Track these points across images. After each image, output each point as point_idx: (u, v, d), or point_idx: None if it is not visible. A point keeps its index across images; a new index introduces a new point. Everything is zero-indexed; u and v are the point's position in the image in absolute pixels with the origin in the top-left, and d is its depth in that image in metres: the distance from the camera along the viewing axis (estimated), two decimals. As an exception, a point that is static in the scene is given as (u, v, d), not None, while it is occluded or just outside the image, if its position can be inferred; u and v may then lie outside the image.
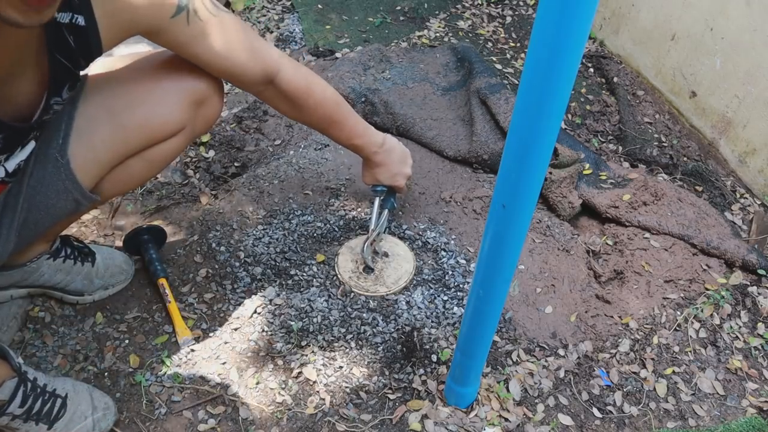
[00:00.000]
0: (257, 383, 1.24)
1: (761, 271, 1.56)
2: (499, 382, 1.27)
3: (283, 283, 1.43)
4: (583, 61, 2.45)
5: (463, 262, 1.52)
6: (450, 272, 1.49)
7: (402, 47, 2.37)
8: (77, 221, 1.53)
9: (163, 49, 1.06)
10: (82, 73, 0.94)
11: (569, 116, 2.16)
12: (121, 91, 1.05)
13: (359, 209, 1.65)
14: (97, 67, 1.05)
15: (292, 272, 1.46)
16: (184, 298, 1.38)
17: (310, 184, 1.72)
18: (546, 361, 1.34)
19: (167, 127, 1.10)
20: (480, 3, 2.76)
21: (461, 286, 1.46)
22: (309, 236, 1.56)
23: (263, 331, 1.33)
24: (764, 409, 1.31)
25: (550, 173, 1.67)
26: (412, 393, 1.24)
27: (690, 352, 1.41)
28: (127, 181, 1.16)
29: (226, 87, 2.11)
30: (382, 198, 1.54)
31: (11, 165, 0.91)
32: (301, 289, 1.42)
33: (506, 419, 1.21)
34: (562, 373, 1.32)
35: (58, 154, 1.00)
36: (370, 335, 1.34)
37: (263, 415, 1.19)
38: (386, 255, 1.52)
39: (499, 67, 2.33)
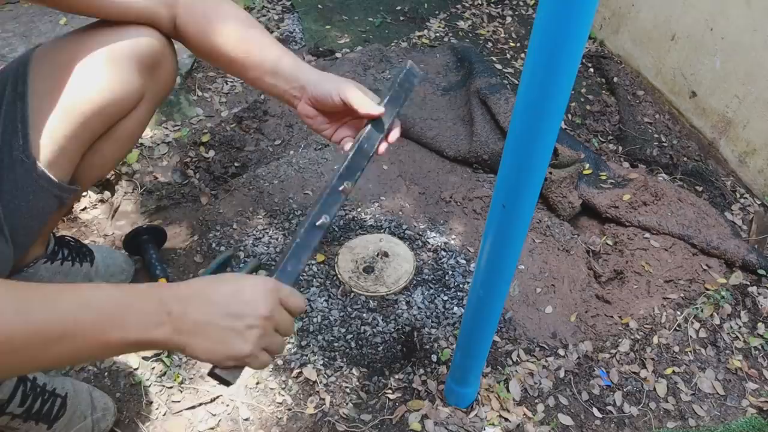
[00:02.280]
0: (257, 383, 1.24)
1: (761, 271, 1.56)
2: (499, 382, 1.27)
3: (283, 283, 1.43)
4: (583, 61, 2.45)
5: (463, 262, 1.52)
6: (450, 272, 1.49)
7: (402, 47, 2.37)
8: (77, 222, 1.53)
9: (92, 20, 1.02)
10: None
11: (569, 116, 2.16)
12: (66, 74, 0.99)
13: (359, 209, 1.65)
14: (39, 58, 1.01)
15: (292, 272, 1.46)
16: (184, 298, 1.38)
17: (310, 184, 1.72)
18: (546, 361, 1.34)
19: (125, 101, 1.04)
20: (480, 3, 2.76)
21: (461, 286, 1.46)
22: (309, 236, 1.56)
23: (263, 331, 1.33)
24: (764, 409, 1.30)
25: (550, 173, 1.67)
26: (412, 393, 1.24)
27: (690, 352, 1.41)
28: (102, 164, 1.12)
29: (227, 87, 2.11)
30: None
31: None
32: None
33: (506, 419, 1.21)
34: (562, 373, 1.32)
35: (22, 155, 0.96)
36: (370, 335, 1.34)
37: (263, 415, 1.19)
38: (386, 255, 1.52)
39: (499, 67, 2.33)
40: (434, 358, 1.30)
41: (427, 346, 1.32)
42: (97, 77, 1.01)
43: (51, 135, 0.99)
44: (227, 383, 0.73)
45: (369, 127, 0.93)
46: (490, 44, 2.49)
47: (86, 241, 1.40)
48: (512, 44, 2.50)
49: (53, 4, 0.96)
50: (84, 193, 1.58)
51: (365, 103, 0.92)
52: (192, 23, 1.02)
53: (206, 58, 1.05)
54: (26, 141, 0.97)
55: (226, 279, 0.71)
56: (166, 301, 0.66)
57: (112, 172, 1.65)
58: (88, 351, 0.63)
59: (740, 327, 1.47)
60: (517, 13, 2.73)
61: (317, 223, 0.86)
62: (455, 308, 1.41)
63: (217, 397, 1.21)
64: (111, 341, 0.63)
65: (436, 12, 2.67)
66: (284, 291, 0.74)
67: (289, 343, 1.31)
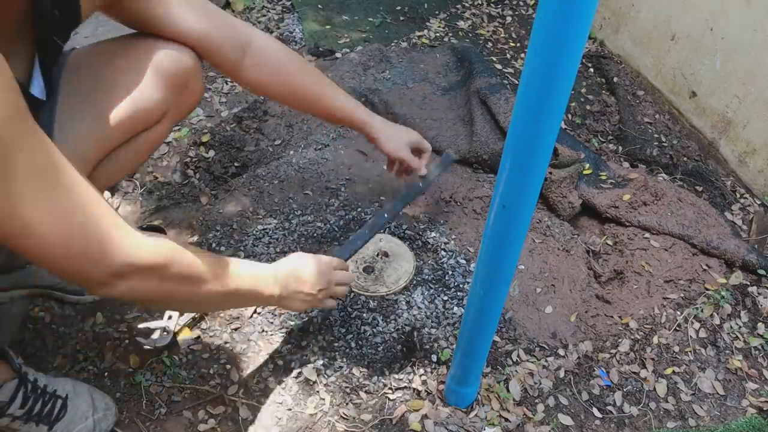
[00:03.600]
0: (257, 383, 1.24)
1: (761, 271, 1.56)
2: (499, 382, 1.27)
3: (283, 283, 1.43)
4: (583, 61, 2.45)
5: (463, 262, 1.52)
6: (450, 272, 1.49)
7: (402, 47, 2.37)
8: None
9: (133, 32, 1.04)
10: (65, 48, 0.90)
11: (569, 116, 2.16)
12: (99, 83, 1.01)
13: (359, 209, 1.65)
14: (71, 60, 1.02)
15: (292, 272, 1.46)
16: (184, 298, 1.38)
17: (310, 184, 1.72)
18: (546, 361, 1.34)
19: (151, 115, 1.06)
20: (480, 3, 2.76)
21: (461, 286, 1.46)
22: (309, 236, 1.56)
23: (263, 331, 1.33)
24: (764, 409, 1.31)
25: (550, 173, 1.67)
26: (412, 393, 1.24)
27: (690, 352, 1.41)
28: (115, 172, 1.13)
29: (227, 87, 2.11)
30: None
31: None
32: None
33: (506, 419, 1.21)
34: (562, 373, 1.32)
35: None
36: (370, 335, 1.34)
37: (263, 415, 1.19)
38: (386, 255, 1.52)
39: (499, 67, 2.33)
40: (434, 358, 1.30)
41: (427, 346, 1.32)
42: (129, 88, 1.02)
43: (74, 138, 0.99)
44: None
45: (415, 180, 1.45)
46: (490, 44, 2.49)
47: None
48: (512, 44, 2.50)
49: (118, 15, 0.99)
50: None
51: (416, 165, 1.37)
52: (266, 68, 1.16)
53: (274, 98, 1.27)
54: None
55: (307, 261, 1.13)
56: (278, 278, 1.05)
57: (112, 184, 1.65)
58: (241, 303, 1.17)
59: (740, 327, 1.47)
60: (517, 13, 2.73)
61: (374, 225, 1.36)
62: (455, 308, 1.41)
63: (217, 397, 1.21)
64: (253, 300, 1.11)
65: (436, 12, 2.67)
66: (337, 264, 1.19)
67: (289, 343, 1.31)
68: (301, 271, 1.12)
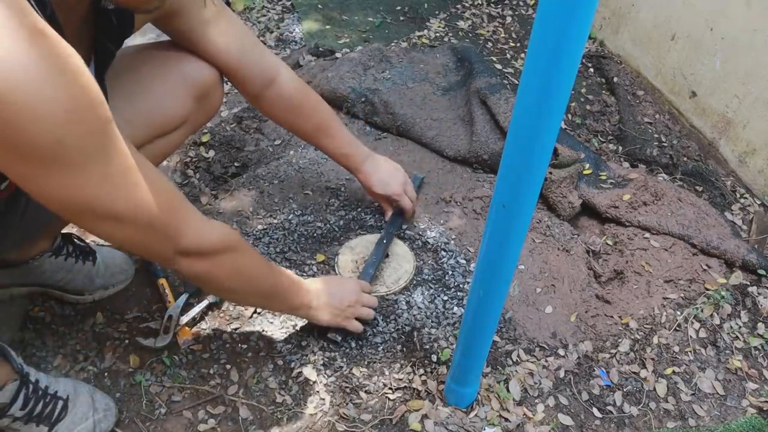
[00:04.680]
0: (257, 383, 1.24)
1: (761, 271, 1.56)
2: (499, 382, 1.27)
3: (283, 283, 1.44)
4: (583, 61, 2.45)
5: (463, 262, 1.52)
6: (450, 272, 1.49)
7: (402, 47, 2.37)
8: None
9: (162, 39, 1.06)
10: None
11: (569, 116, 2.16)
12: (124, 86, 1.04)
13: (359, 209, 1.65)
14: None
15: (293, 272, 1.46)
16: (184, 298, 1.38)
17: (310, 184, 1.72)
18: (546, 361, 1.34)
19: (171, 121, 1.09)
20: (480, 3, 2.76)
21: (461, 286, 1.46)
22: (309, 236, 1.56)
23: (263, 331, 1.33)
24: (764, 409, 1.31)
25: (550, 173, 1.67)
26: (412, 393, 1.24)
27: (690, 352, 1.41)
28: None
29: (226, 87, 2.11)
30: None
31: None
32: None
33: (506, 419, 1.21)
34: (562, 373, 1.32)
35: None
36: (370, 335, 1.34)
37: (263, 415, 1.19)
38: (386, 255, 1.52)
39: (499, 67, 2.33)
40: (434, 358, 1.30)
41: (427, 346, 1.32)
42: (151, 93, 1.06)
43: None
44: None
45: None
46: (490, 44, 2.49)
47: (87, 241, 1.41)
48: (512, 44, 2.50)
49: (164, 27, 1.04)
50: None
51: (407, 207, 1.53)
52: (282, 104, 1.27)
53: (284, 126, 1.40)
54: None
55: (339, 279, 1.31)
56: (311, 288, 1.18)
57: None
58: (278, 306, 1.18)
59: (740, 327, 1.47)
60: (517, 13, 2.73)
61: (384, 241, 1.48)
62: (455, 308, 1.41)
63: (217, 397, 1.21)
64: (288, 304, 1.15)
65: (436, 12, 2.67)
66: (365, 287, 1.32)
67: (289, 343, 1.31)
68: (334, 286, 1.24)
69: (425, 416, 1.20)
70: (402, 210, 1.54)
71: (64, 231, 1.29)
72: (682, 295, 1.51)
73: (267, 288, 1.07)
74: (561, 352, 1.37)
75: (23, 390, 1.00)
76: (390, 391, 1.25)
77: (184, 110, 1.10)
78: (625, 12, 2.37)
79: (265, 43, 2.39)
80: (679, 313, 1.47)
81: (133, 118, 1.04)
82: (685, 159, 1.97)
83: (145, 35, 1.07)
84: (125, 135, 1.03)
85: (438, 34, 2.51)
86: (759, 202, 1.85)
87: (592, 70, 2.43)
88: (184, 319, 1.30)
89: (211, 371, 1.25)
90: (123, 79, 1.04)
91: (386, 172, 1.48)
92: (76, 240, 1.32)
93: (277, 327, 1.34)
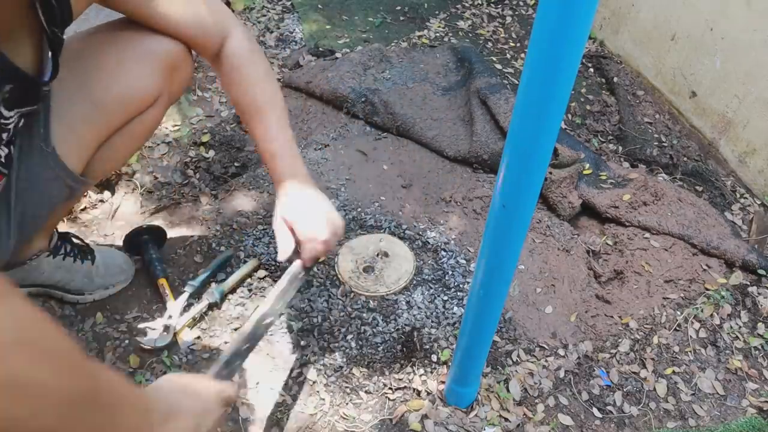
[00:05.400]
0: (257, 383, 1.24)
1: (761, 271, 1.56)
2: (499, 382, 1.27)
3: (283, 283, 1.43)
4: (583, 61, 2.45)
5: (463, 262, 1.52)
6: (450, 272, 1.49)
7: (402, 47, 2.37)
8: (78, 222, 1.53)
9: (123, 17, 1.05)
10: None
11: (569, 116, 2.16)
12: (92, 68, 1.03)
13: (359, 209, 1.65)
14: (64, 49, 1.02)
15: (292, 272, 1.46)
16: (184, 298, 1.38)
17: (310, 184, 1.71)
18: (546, 361, 1.34)
19: (145, 98, 1.08)
20: (480, 3, 2.76)
21: (461, 286, 1.46)
22: (309, 236, 1.56)
23: (263, 331, 1.33)
24: (764, 409, 1.31)
25: (550, 173, 1.67)
26: (412, 393, 1.24)
27: (690, 352, 1.41)
28: (114, 158, 1.15)
29: (226, 87, 2.11)
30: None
31: (4, 151, 0.90)
32: (301, 289, 1.42)
33: (506, 419, 1.21)
34: (562, 373, 1.32)
35: (42, 143, 0.98)
36: (370, 335, 1.34)
37: (263, 415, 1.19)
38: (386, 255, 1.52)
39: (499, 67, 2.33)
40: (434, 358, 1.30)
41: (427, 346, 1.32)
42: (120, 71, 1.04)
43: (72, 125, 1.02)
44: None
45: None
46: (490, 44, 2.49)
47: (87, 241, 1.41)
48: (512, 44, 2.50)
49: (111, 6, 1.00)
50: (85, 193, 1.58)
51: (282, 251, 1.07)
52: (232, 73, 1.09)
53: (231, 100, 1.24)
54: (47, 130, 0.99)
55: (189, 390, 0.80)
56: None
57: (113, 172, 1.65)
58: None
59: (740, 327, 1.47)
60: (517, 13, 2.73)
61: (264, 322, 1.00)
62: (455, 308, 1.41)
63: (217, 397, 1.21)
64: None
65: (436, 12, 2.67)
66: (224, 389, 0.85)
67: (289, 343, 1.31)
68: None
69: (425, 416, 1.20)
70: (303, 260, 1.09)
71: (61, 230, 1.29)
72: (682, 295, 1.51)
73: None
74: (561, 352, 1.37)
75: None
76: (390, 391, 1.24)
77: (155, 86, 1.08)
78: (625, 12, 2.37)
79: (264, 44, 2.39)
80: (679, 313, 1.47)
81: (106, 102, 1.03)
82: (685, 159, 1.97)
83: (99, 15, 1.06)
84: (98, 117, 1.03)
85: (438, 34, 2.51)
86: (759, 202, 1.85)
87: (592, 70, 2.43)
88: (184, 319, 1.30)
89: (211, 371, 1.25)
90: (89, 63, 1.03)
91: (309, 216, 1.07)
92: (73, 239, 1.32)
93: (277, 327, 1.34)
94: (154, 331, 1.28)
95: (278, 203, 1.09)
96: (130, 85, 1.05)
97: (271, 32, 2.47)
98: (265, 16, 2.57)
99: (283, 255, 1.06)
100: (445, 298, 1.43)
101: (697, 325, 1.46)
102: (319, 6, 2.65)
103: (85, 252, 1.32)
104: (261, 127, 1.08)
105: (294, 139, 1.11)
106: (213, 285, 1.39)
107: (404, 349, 1.32)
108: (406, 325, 1.36)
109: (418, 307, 1.40)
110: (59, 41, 0.89)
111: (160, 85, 1.09)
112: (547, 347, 1.37)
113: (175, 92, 1.17)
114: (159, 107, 1.13)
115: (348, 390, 1.24)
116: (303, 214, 1.06)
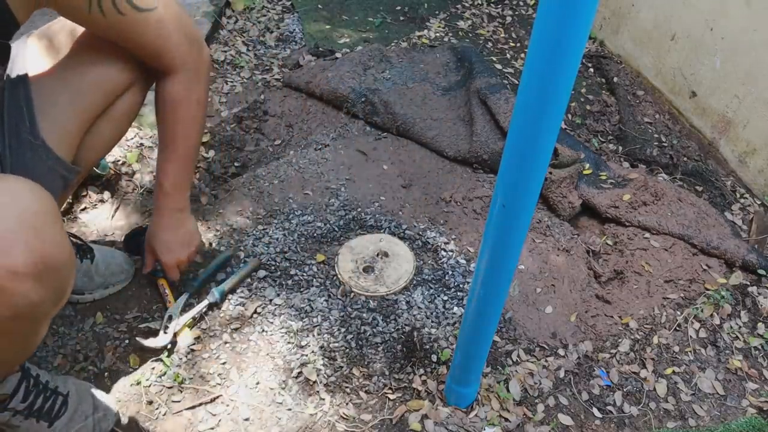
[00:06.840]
0: (257, 383, 1.24)
1: (761, 271, 1.56)
2: (499, 382, 1.27)
3: (283, 283, 1.43)
4: (583, 61, 2.45)
5: (463, 262, 1.52)
6: (450, 272, 1.49)
7: (402, 47, 2.37)
8: (77, 222, 1.53)
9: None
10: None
11: (569, 116, 2.16)
12: (67, 59, 1.07)
13: (359, 209, 1.65)
14: (36, 42, 1.08)
15: (292, 272, 1.46)
16: (184, 298, 1.38)
17: (310, 184, 1.72)
18: (546, 361, 1.34)
19: (120, 79, 1.13)
20: (480, 3, 2.77)
21: (461, 286, 1.46)
22: (309, 236, 1.56)
23: (263, 331, 1.33)
24: (764, 409, 1.31)
25: (550, 173, 1.67)
26: (412, 393, 1.24)
27: (690, 352, 1.41)
28: (101, 145, 1.19)
29: (226, 87, 2.11)
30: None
31: None
32: (301, 289, 1.42)
33: (506, 419, 1.21)
34: (562, 373, 1.32)
35: (30, 137, 1.01)
36: (370, 335, 1.34)
37: (263, 415, 1.19)
38: (386, 255, 1.52)
39: (499, 67, 2.33)
40: (434, 358, 1.30)
41: (427, 346, 1.32)
42: (95, 59, 1.09)
43: (56, 115, 1.05)
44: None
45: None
46: (490, 44, 2.49)
47: (87, 241, 1.41)
48: (512, 44, 2.50)
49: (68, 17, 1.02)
50: (84, 192, 1.58)
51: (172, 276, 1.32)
52: (165, 106, 1.18)
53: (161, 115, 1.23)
54: (33, 122, 1.02)
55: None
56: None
57: (112, 172, 1.65)
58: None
59: (740, 327, 1.47)
60: (517, 13, 2.74)
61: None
62: (455, 308, 1.41)
63: (217, 397, 1.21)
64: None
65: (436, 12, 2.67)
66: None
67: (289, 343, 1.31)
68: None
69: (425, 416, 1.20)
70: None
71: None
72: (682, 295, 1.51)
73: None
74: (561, 352, 1.37)
75: (24, 382, 1.00)
76: (390, 391, 1.25)
77: (129, 68, 1.13)
78: (625, 12, 2.37)
79: (264, 44, 2.39)
80: (679, 313, 1.47)
81: (83, 88, 1.07)
82: (685, 159, 1.97)
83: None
84: (79, 104, 1.07)
85: (438, 34, 2.51)
86: (759, 202, 1.85)
87: (592, 70, 2.43)
88: (184, 319, 1.30)
89: (211, 371, 1.25)
90: (64, 51, 1.08)
91: (173, 240, 1.28)
92: (73, 239, 1.32)
93: (277, 327, 1.34)
94: (154, 331, 1.28)
95: (149, 229, 1.29)
96: (104, 71, 1.10)
97: (271, 32, 2.47)
98: (265, 16, 2.57)
99: (145, 270, 1.33)
100: (445, 298, 1.43)
101: (697, 325, 1.46)
102: (319, 6, 2.65)
103: (85, 251, 1.32)
104: (164, 160, 1.21)
105: (190, 178, 1.26)
106: (213, 285, 1.39)
107: (404, 349, 1.32)
108: (406, 325, 1.36)
109: (418, 307, 1.40)
110: (6, 49, 0.92)
111: (133, 66, 1.14)
112: (547, 347, 1.37)
113: (150, 76, 1.20)
114: (136, 89, 1.17)
115: (348, 390, 1.24)
116: (160, 242, 1.27)
